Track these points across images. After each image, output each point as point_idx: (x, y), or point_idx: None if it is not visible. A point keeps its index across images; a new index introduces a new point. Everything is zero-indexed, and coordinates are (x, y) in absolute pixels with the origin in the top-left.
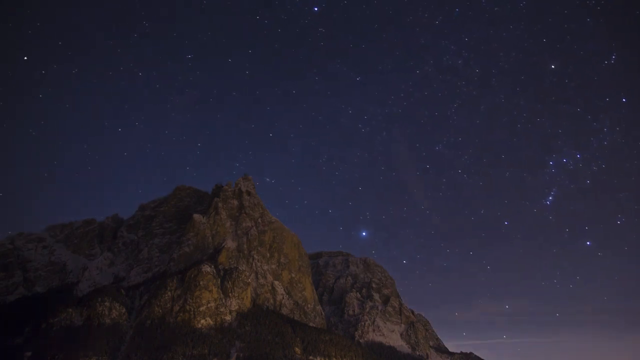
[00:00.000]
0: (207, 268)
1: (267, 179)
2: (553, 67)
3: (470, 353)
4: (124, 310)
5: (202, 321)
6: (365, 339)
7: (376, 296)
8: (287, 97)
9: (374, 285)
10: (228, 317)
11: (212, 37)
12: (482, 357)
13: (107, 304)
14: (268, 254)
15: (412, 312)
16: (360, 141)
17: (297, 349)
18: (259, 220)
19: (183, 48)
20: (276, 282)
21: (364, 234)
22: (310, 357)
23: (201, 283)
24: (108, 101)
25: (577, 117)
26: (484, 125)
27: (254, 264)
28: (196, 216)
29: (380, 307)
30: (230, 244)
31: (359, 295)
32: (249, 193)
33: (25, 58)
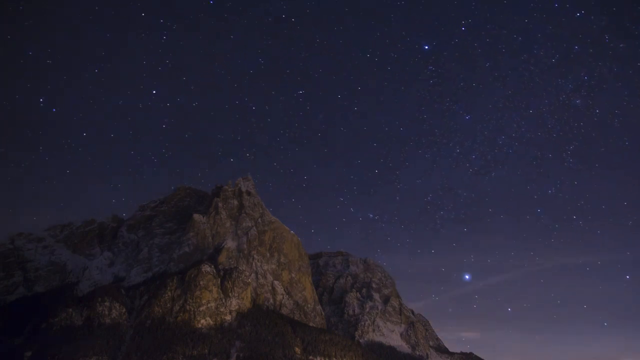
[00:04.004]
0: (207, 268)
1: (371, 215)
2: None
3: (470, 353)
4: (124, 310)
5: (202, 321)
6: (365, 338)
7: (376, 296)
8: (394, 134)
9: (374, 285)
10: (228, 317)
11: (323, 74)
12: (482, 358)
13: (107, 304)
14: (268, 254)
15: (412, 312)
16: (468, 181)
17: (297, 349)
18: (259, 220)
19: (294, 84)
20: (276, 282)
21: (467, 277)
22: (310, 357)
23: (201, 283)
24: (220, 133)
25: None
26: (603, 169)
27: (254, 264)
28: (196, 216)
29: (380, 307)
30: (230, 243)
31: (359, 295)
32: (249, 193)
33: (154, 92)
